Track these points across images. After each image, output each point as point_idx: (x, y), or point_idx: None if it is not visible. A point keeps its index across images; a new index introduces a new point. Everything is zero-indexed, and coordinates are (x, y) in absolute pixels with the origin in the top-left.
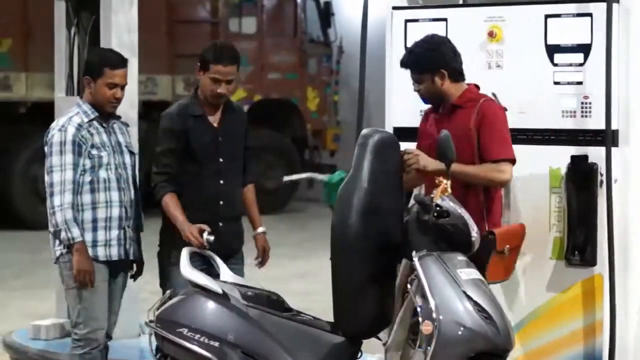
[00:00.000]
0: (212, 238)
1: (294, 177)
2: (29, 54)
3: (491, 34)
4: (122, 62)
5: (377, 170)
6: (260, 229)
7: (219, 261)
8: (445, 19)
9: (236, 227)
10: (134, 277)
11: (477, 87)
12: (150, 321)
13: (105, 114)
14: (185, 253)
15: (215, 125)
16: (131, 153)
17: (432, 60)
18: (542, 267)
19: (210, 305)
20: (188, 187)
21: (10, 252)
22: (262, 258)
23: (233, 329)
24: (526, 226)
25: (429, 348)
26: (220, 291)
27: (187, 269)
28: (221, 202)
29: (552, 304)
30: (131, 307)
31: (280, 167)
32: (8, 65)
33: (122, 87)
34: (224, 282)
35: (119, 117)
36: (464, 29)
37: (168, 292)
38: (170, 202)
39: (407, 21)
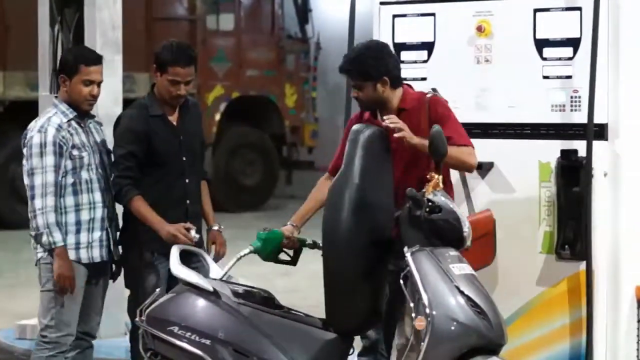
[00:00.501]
0: (197, 235)
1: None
2: (6, 52)
3: (480, 29)
4: (97, 58)
5: (368, 166)
6: (215, 226)
7: (208, 259)
8: (433, 14)
9: (199, 224)
10: (113, 277)
11: (410, 86)
12: (141, 319)
13: (82, 112)
14: (175, 251)
15: (174, 124)
16: (108, 152)
17: (376, 68)
18: (532, 262)
19: (201, 302)
20: (153, 189)
21: None
22: (217, 252)
23: (224, 327)
24: (516, 220)
25: (422, 343)
26: (211, 289)
27: (177, 267)
28: (188, 201)
29: (542, 298)
30: (116, 306)
31: (258, 164)
32: None
33: (99, 84)
34: (214, 279)
35: (93, 116)
36: (452, 24)
37: (158, 290)
38: (142, 205)
39: (394, 16)
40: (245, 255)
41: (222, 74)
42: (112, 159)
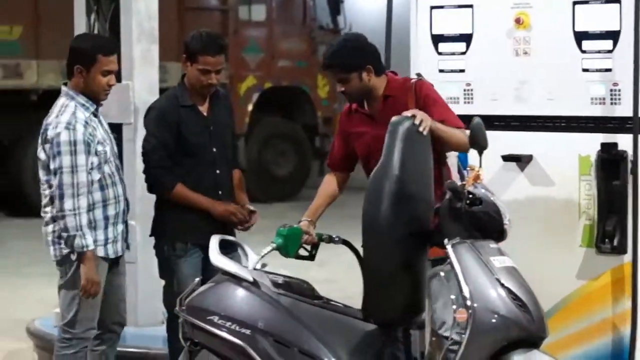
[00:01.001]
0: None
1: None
2: (40, 41)
3: (518, 21)
4: (115, 47)
5: (407, 158)
6: (251, 207)
7: (247, 249)
8: (471, 6)
9: None
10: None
11: (395, 72)
12: (181, 308)
13: (97, 103)
14: (214, 241)
15: (205, 114)
16: (116, 140)
17: (360, 58)
18: (572, 255)
19: (241, 292)
20: (184, 180)
21: (24, 239)
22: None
23: (264, 317)
24: (556, 214)
25: (463, 336)
26: (250, 279)
27: (217, 257)
28: (220, 192)
29: (582, 292)
30: (154, 295)
31: (291, 154)
32: (19, 53)
33: (115, 74)
34: (254, 269)
35: (101, 104)
36: (490, 16)
37: (197, 279)
38: (186, 191)
39: (432, 8)
40: (268, 253)
41: (254, 65)
42: (143, 151)
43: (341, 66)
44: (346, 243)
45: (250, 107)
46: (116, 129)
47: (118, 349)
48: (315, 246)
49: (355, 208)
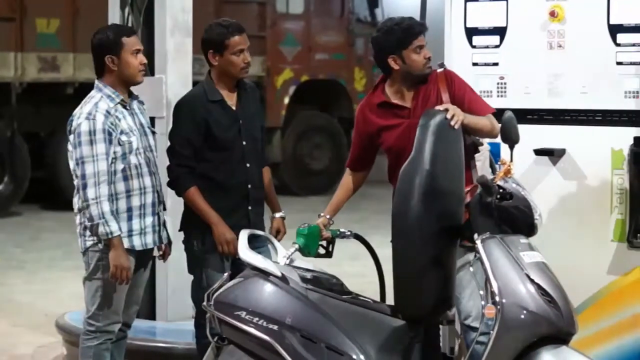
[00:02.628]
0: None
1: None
2: (76, 34)
3: (553, 14)
4: (131, 29)
5: (438, 152)
6: (279, 214)
7: (276, 244)
8: None
9: (261, 210)
10: (164, 256)
11: None
12: (208, 304)
13: (130, 93)
14: (243, 236)
15: (234, 108)
16: (153, 133)
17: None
18: (603, 250)
19: (269, 288)
20: (214, 174)
21: (60, 233)
22: (279, 240)
23: (292, 312)
24: (587, 208)
25: (491, 332)
26: (279, 274)
27: (245, 252)
28: (249, 186)
29: (613, 287)
30: (184, 290)
31: (327, 147)
32: (56, 46)
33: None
34: (282, 264)
35: (137, 96)
36: (524, 9)
37: (226, 274)
38: (198, 197)
39: (466, 1)
40: (292, 254)
41: (291, 57)
42: (169, 145)
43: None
44: (358, 237)
45: (286, 100)
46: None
47: (148, 343)
48: (331, 243)
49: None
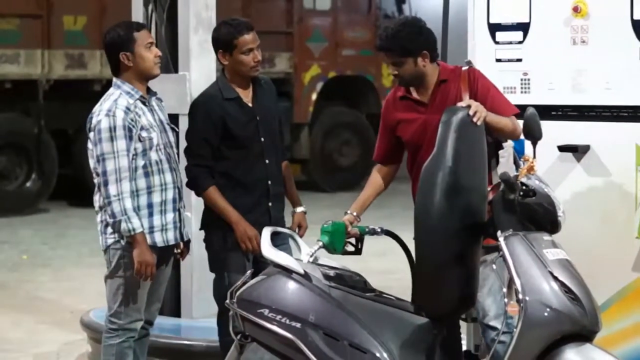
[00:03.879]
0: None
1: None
2: (103, 31)
3: (576, 9)
4: (140, 23)
5: (461, 149)
6: (299, 208)
7: (299, 240)
8: None
9: (282, 206)
10: (182, 255)
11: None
12: (231, 302)
13: (149, 90)
14: (266, 233)
15: (250, 105)
16: (173, 130)
17: (417, 43)
18: (628, 247)
19: (292, 285)
20: (234, 172)
21: (88, 230)
22: (298, 234)
23: (315, 310)
24: (612, 205)
25: (514, 329)
26: (302, 271)
27: (268, 249)
28: (269, 182)
29: (637, 284)
30: (208, 287)
31: (354, 144)
32: (83, 43)
33: (156, 45)
34: (305, 262)
35: (155, 93)
36: (548, 4)
37: (248, 272)
38: (217, 196)
39: None
40: (315, 252)
41: (318, 54)
42: (186, 145)
43: (397, 50)
44: (389, 233)
45: (314, 97)
46: (173, 120)
47: (172, 340)
48: (359, 240)
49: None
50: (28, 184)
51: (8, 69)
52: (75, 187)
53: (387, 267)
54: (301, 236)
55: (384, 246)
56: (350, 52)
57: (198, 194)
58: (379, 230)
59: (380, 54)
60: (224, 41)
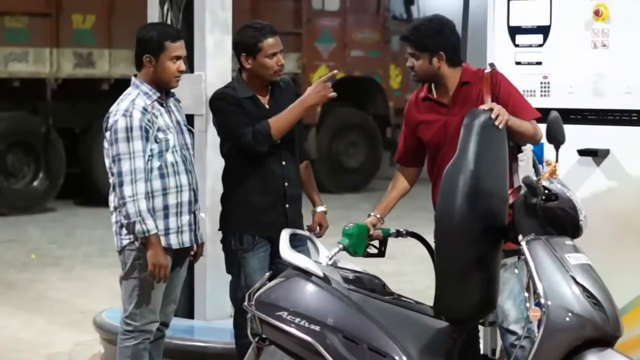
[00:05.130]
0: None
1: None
2: (112, 30)
3: (597, 13)
4: (178, 33)
5: (482, 152)
6: (320, 208)
7: (317, 242)
8: None
9: (299, 207)
10: (195, 258)
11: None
12: (250, 304)
13: (167, 91)
14: (285, 235)
15: (267, 106)
16: (190, 131)
17: (435, 41)
18: None
19: (311, 288)
20: (249, 173)
21: (95, 229)
22: (318, 233)
23: (334, 313)
24: (632, 209)
25: (536, 334)
26: (321, 274)
27: (287, 251)
28: (286, 184)
29: None
30: (223, 288)
31: (362, 145)
32: (92, 42)
33: (184, 59)
34: (324, 264)
35: (173, 94)
36: (568, 7)
37: (266, 274)
38: (275, 119)
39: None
40: (335, 254)
41: (326, 54)
42: (223, 132)
43: (416, 43)
44: (415, 235)
45: None
46: (188, 120)
47: (185, 342)
48: (383, 242)
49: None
50: (35, 183)
51: (16, 67)
52: (82, 187)
53: (398, 270)
54: (321, 236)
55: (395, 248)
56: (358, 53)
57: (271, 141)
58: (404, 232)
59: (387, 56)
60: (247, 44)
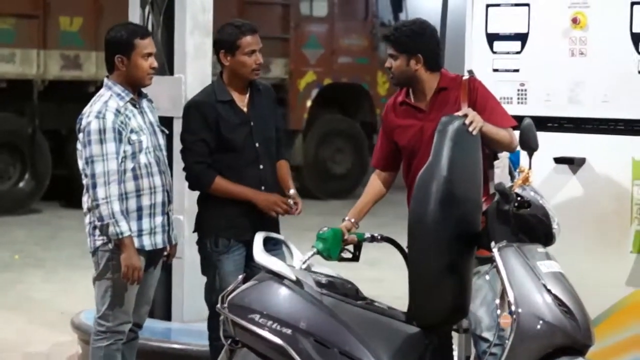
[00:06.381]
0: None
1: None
2: (99, 33)
3: (575, 21)
4: (147, 30)
5: (456, 158)
6: (292, 190)
7: (292, 247)
8: (527, 4)
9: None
10: (168, 259)
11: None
12: (222, 306)
13: (139, 92)
14: (259, 238)
15: (244, 109)
16: (163, 132)
17: (414, 42)
18: (622, 261)
19: (283, 291)
20: (225, 176)
21: (81, 231)
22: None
23: (306, 317)
24: (607, 218)
25: (506, 341)
26: (293, 277)
27: (260, 254)
28: (263, 187)
29: (631, 299)
30: (199, 291)
31: (348, 151)
32: (79, 44)
33: (155, 56)
34: (297, 268)
35: (146, 95)
36: (546, 15)
37: (240, 277)
38: (226, 183)
39: (488, 6)
40: (309, 258)
41: (314, 60)
42: (182, 147)
43: (395, 43)
44: (389, 240)
45: (309, 103)
46: (167, 123)
47: (162, 344)
48: (357, 247)
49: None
50: (21, 184)
51: (3, 68)
52: (68, 188)
53: (379, 276)
54: (298, 213)
55: (376, 255)
56: (346, 59)
57: (206, 190)
58: (378, 237)
59: (375, 63)
60: (226, 41)
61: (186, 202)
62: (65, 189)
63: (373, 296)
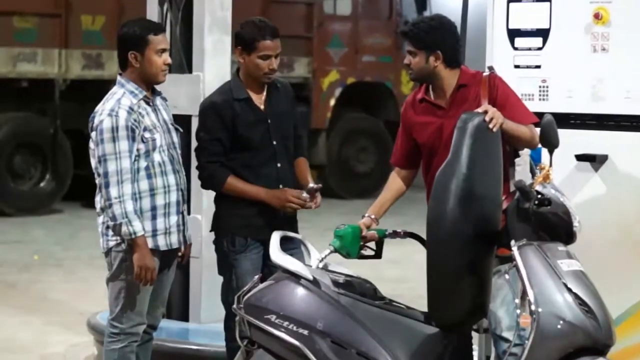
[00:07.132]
0: (308, 196)
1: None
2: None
3: (597, 16)
4: (160, 26)
5: (476, 155)
6: (311, 184)
7: (310, 246)
8: (549, 0)
9: (295, 213)
10: (183, 259)
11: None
12: (239, 306)
13: (153, 89)
14: (275, 237)
15: (261, 107)
16: (177, 130)
17: (433, 39)
18: None
19: (300, 291)
20: (241, 174)
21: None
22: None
23: (323, 317)
24: (629, 216)
25: (526, 341)
26: (310, 277)
27: (277, 254)
28: (281, 186)
29: None
30: (217, 290)
31: (372, 150)
32: (101, 43)
33: (169, 52)
34: (315, 268)
35: (160, 92)
36: (568, 11)
37: (256, 277)
38: (238, 182)
39: (509, 2)
40: (325, 256)
41: (337, 59)
42: (197, 144)
43: (413, 39)
44: (413, 235)
45: (332, 102)
46: (186, 121)
47: (179, 345)
48: (379, 244)
49: None
50: (42, 184)
51: (25, 67)
52: (89, 188)
53: (401, 275)
54: (316, 206)
55: (399, 254)
56: (369, 58)
57: (218, 190)
58: (401, 232)
59: (399, 62)
60: (245, 39)
61: (204, 201)
62: (86, 189)
63: (394, 295)
